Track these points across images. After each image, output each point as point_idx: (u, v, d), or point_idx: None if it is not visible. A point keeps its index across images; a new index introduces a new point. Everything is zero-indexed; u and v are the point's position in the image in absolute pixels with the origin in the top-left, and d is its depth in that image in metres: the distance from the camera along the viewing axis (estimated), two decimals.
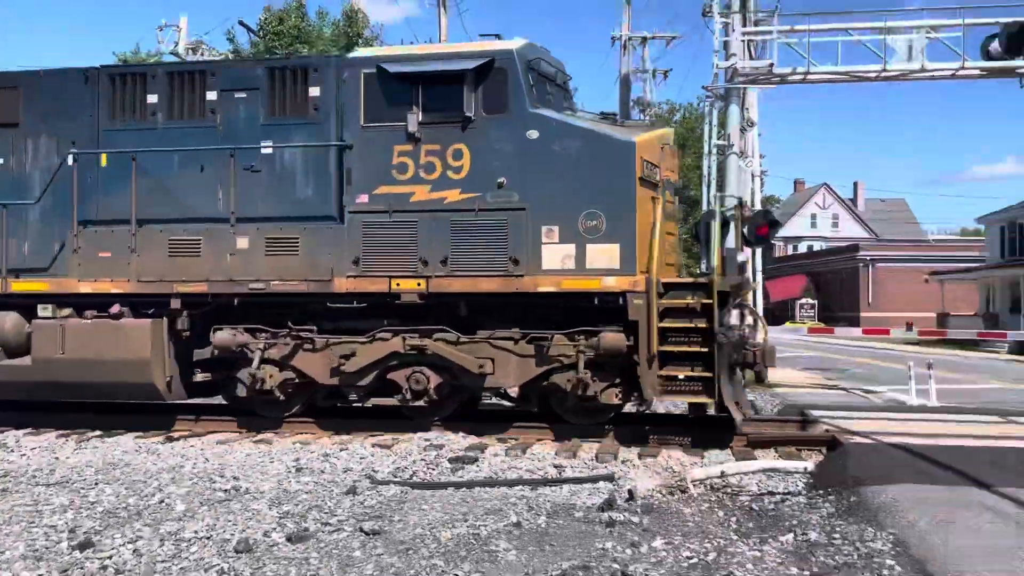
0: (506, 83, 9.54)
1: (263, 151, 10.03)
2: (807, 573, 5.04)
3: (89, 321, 10.18)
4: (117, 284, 10.24)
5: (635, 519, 6.27)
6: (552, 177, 9.43)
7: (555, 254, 9.42)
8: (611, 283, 9.26)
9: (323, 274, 9.79)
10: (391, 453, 8.89)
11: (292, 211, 9.97)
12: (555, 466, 8.37)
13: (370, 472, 8.02)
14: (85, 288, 10.33)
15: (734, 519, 6.45)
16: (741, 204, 11.11)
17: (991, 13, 11.23)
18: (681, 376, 9.13)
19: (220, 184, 10.08)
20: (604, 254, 9.37)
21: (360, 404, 10.82)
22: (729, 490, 7.39)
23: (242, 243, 10.02)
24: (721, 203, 10.76)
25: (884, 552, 5.28)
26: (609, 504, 6.69)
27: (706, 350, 8.99)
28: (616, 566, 5.16)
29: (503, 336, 9.62)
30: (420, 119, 9.51)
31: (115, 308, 10.16)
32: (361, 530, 5.95)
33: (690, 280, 9.81)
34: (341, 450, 9.06)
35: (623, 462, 8.52)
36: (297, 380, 10.15)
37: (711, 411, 9.54)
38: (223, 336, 10.05)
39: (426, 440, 9.31)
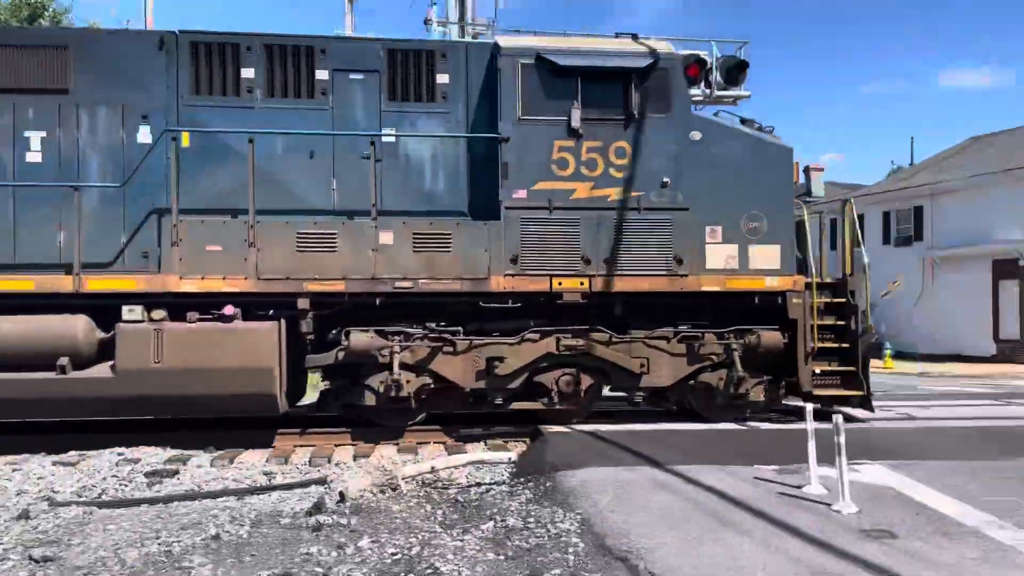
0: (670, 84, 9.67)
1: (386, 139, 9.51)
2: (503, 557, 5.30)
3: (195, 325, 8.76)
4: (230, 282, 8.88)
5: (343, 521, 6.21)
6: (714, 179, 9.67)
7: (719, 254, 9.73)
8: (774, 283, 9.74)
9: (479, 272, 9.25)
10: (76, 471, 8.04)
11: (441, 205, 9.57)
12: (264, 473, 8.09)
13: (48, 493, 7.20)
14: (188, 287, 8.83)
15: (440, 512, 6.63)
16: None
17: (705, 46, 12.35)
18: (818, 371, 9.88)
19: (353, 173, 9.33)
20: (765, 255, 9.81)
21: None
22: (439, 484, 7.60)
23: (385, 238, 9.17)
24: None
25: (571, 531, 5.71)
26: (318, 508, 6.57)
27: (847, 345, 9.88)
28: (319, 570, 5.08)
29: (658, 336, 9.70)
30: (582, 115, 9.41)
31: (229, 309, 8.87)
32: (31, 558, 5.32)
33: (829, 280, 10.35)
34: (14, 470, 8.02)
35: (337, 464, 8.43)
36: (433, 385, 9.47)
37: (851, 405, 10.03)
38: (361, 339, 9.10)
39: (120, 455, 8.55)
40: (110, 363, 8.60)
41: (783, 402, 10.31)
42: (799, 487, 6.55)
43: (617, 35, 10.47)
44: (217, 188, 9.13)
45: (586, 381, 9.64)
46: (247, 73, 9.39)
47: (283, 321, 8.94)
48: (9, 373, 8.36)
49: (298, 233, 9.07)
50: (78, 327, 8.61)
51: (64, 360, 8.47)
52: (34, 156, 9.02)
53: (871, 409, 9.89)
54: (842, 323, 10.03)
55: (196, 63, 9.30)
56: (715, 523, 5.72)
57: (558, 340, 9.49)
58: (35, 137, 9.06)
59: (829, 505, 6.03)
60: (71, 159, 9.06)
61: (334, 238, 9.14)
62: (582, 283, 9.42)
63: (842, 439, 6.18)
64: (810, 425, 6.65)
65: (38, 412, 9.05)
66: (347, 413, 9.86)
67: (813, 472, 6.51)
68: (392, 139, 9.55)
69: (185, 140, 9.11)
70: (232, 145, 9.13)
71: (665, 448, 8.12)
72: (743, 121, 10.51)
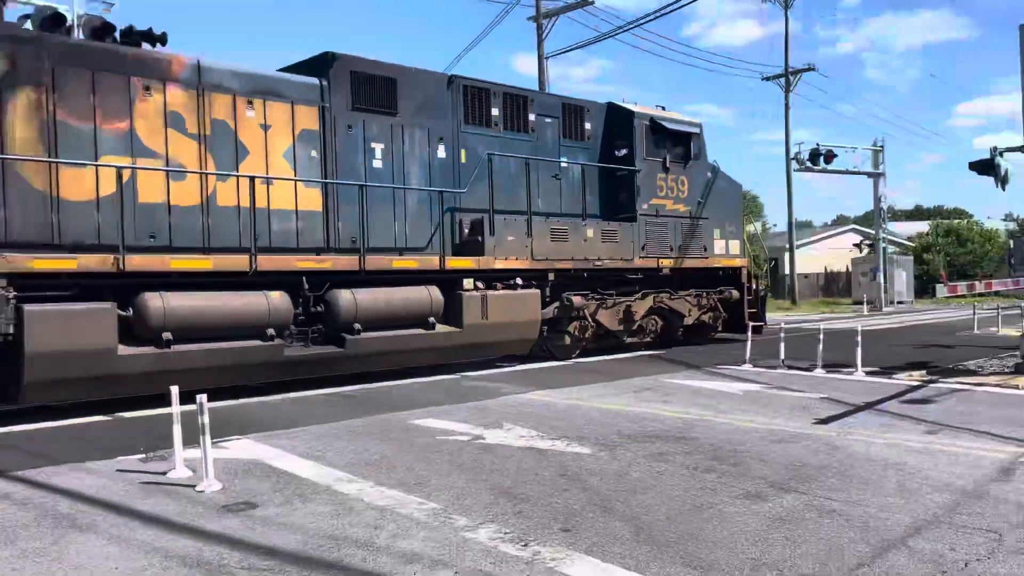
0: (702, 141, 17.09)
1: (563, 166, 14.81)
2: None
3: (502, 291, 13.17)
4: (519, 262, 13.42)
5: None
6: (715, 200, 17.31)
7: (718, 246, 17.51)
8: (740, 263, 18.06)
9: (628, 255, 15.33)
10: None
11: (592, 211, 15.22)
12: None
13: None
14: (499, 265, 13.19)
15: None
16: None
17: None
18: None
19: (546, 186, 14.46)
20: (735, 246, 17.94)
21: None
22: None
23: (589, 233, 14.61)
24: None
25: None
26: None
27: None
28: None
29: (691, 293, 17.01)
30: (669, 158, 16.14)
31: (519, 280, 13.52)
32: None
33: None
34: None
35: None
36: (594, 329, 15.15)
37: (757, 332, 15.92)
38: (579, 300, 14.50)
39: None
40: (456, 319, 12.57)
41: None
42: (164, 473, 6.53)
43: (658, 106, 16.66)
44: (480, 193, 13.11)
45: (660, 323, 16.59)
46: (494, 111, 13.66)
47: (538, 289, 13.74)
48: (401, 330, 11.93)
49: (552, 228, 14.00)
50: (437, 294, 12.32)
51: (432, 318, 12.29)
52: (377, 163, 12.14)
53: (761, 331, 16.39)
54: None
55: (467, 100, 13.27)
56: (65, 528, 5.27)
57: (654, 298, 16.19)
58: (378, 148, 12.08)
59: (194, 487, 6.09)
60: (400, 167, 12.35)
61: (565, 233, 14.20)
62: (670, 263, 16.27)
63: (206, 419, 6.03)
64: (175, 409, 6.31)
65: (419, 360, 12.45)
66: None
67: (178, 455, 6.47)
68: (566, 165, 14.78)
69: (463, 158, 13.12)
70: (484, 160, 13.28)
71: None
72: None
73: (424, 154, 12.57)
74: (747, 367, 13.49)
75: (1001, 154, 12.48)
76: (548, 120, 14.49)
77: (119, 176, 9.53)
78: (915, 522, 5.02)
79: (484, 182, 13.00)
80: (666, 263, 16.11)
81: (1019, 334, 12.70)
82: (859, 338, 13.00)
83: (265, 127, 10.98)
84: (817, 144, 30.69)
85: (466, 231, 13.08)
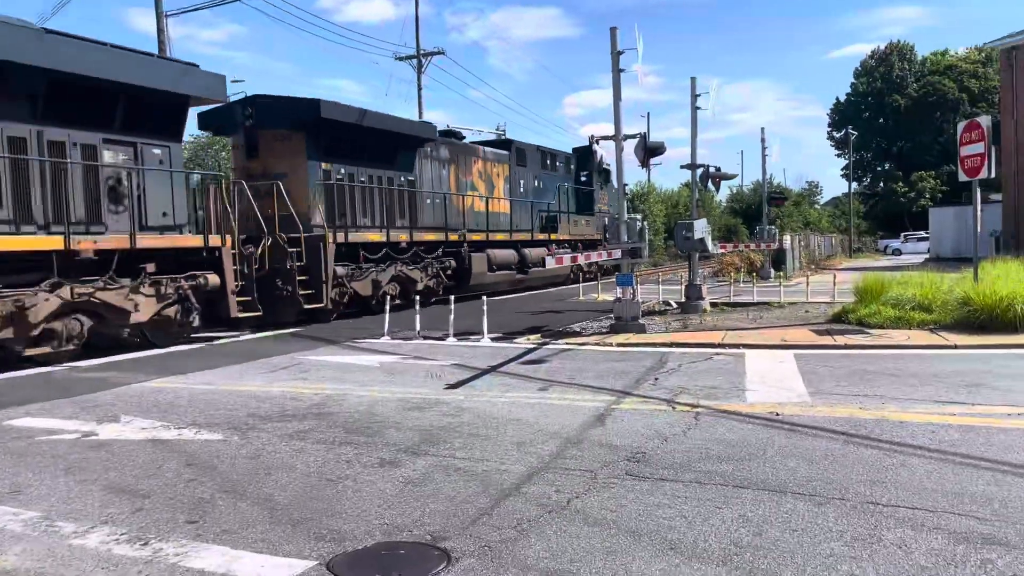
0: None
1: (566, 186, 29.99)
2: None
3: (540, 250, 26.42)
4: (565, 236, 29.18)
5: None
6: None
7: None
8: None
9: (593, 233, 30.44)
10: None
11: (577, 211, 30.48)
12: None
13: None
14: (562, 237, 28.88)
15: None
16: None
17: None
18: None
19: (563, 200, 29.31)
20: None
21: None
22: None
23: (580, 222, 30.33)
24: None
25: None
26: None
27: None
28: None
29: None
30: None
31: (568, 248, 27.64)
32: None
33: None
34: None
35: None
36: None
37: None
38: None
39: None
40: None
41: None
42: None
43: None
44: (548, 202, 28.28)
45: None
46: (547, 161, 28.32)
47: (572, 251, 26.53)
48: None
49: (572, 220, 29.47)
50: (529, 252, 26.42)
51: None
52: (521, 190, 26.67)
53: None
54: None
55: (541, 158, 28.07)
56: None
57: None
58: (522, 183, 26.59)
59: None
60: (527, 192, 26.88)
61: (578, 223, 29.80)
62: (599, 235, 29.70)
63: None
64: None
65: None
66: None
67: None
68: (572, 189, 29.96)
69: (540, 185, 27.75)
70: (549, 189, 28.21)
71: None
72: None
73: (532, 185, 27.04)
74: (385, 339, 13.86)
75: (597, 141, 14.25)
76: (563, 163, 29.71)
77: (470, 201, 23.40)
78: (529, 470, 5.56)
79: (554, 198, 28.24)
80: (597, 235, 29.35)
81: (613, 299, 14.69)
82: (484, 307, 14.03)
83: (497, 175, 25.28)
84: (448, 125, 32.43)
85: (544, 221, 27.14)
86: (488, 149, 25.18)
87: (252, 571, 3.98)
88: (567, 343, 12.77)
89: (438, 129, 23.31)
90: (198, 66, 14.23)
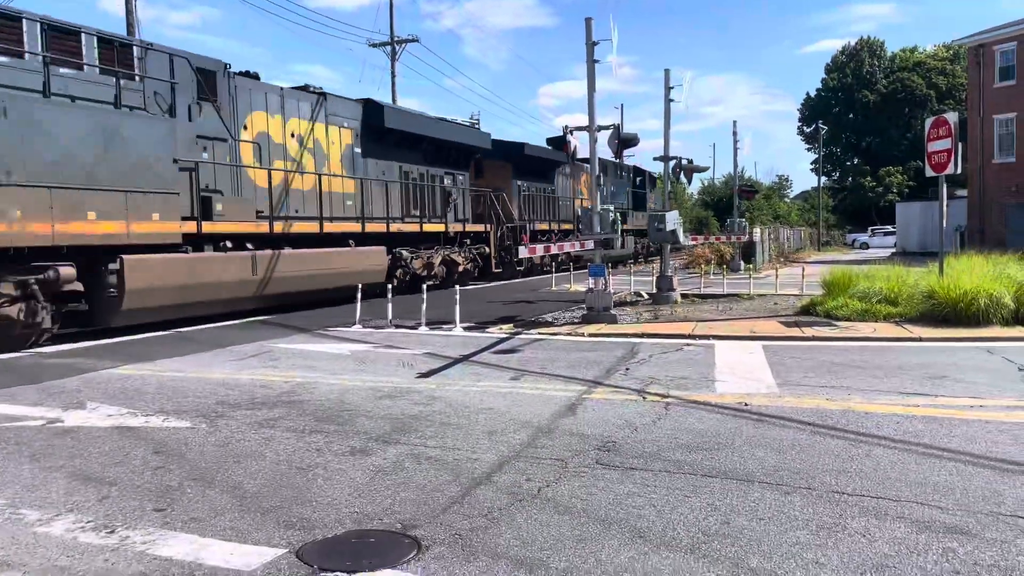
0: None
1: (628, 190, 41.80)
2: None
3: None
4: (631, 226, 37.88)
5: None
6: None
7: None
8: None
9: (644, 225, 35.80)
10: None
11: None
12: None
13: None
14: (629, 227, 36.45)
15: None
16: None
17: None
18: None
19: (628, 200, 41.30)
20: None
21: None
22: None
23: (640, 217, 39.27)
24: None
25: None
26: None
27: None
28: None
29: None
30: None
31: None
32: None
33: None
34: None
35: None
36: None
37: None
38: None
39: None
40: None
41: None
42: None
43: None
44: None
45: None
46: (620, 174, 39.81)
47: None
48: None
49: (641, 215, 39.95)
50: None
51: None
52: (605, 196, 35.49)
53: None
54: None
55: (605, 170, 35.65)
56: None
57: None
58: (605, 189, 36.06)
59: None
60: (609, 198, 36.66)
61: (637, 216, 40.15)
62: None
63: None
64: None
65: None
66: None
67: None
68: (632, 192, 42.18)
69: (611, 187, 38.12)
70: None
71: None
72: None
73: (610, 190, 36.14)
74: (357, 328, 13.78)
75: (571, 132, 14.26)
76: (625, 173, 39.62)
77: (579, 202, 33.19)
78: (500, 459, 5.58)
79: (623, 200, 39.08)
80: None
81: (584, 290, 14.76)
82: (457, 296, 14.01)
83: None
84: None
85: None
86: (588, 166, 32.63)
87: (221, 559, 3.96)
88: (539, 333, 12.80)
89: None
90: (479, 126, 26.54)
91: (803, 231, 55.96)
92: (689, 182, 24.63)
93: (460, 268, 23.66)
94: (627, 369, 9.25)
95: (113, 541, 4.21)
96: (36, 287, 11.66)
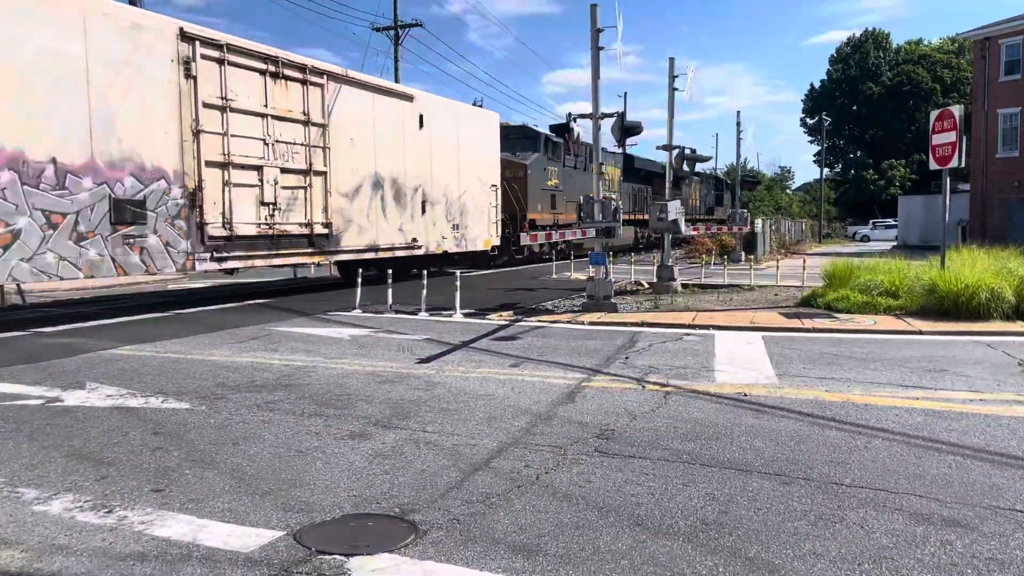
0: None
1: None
2: None
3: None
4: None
5: None
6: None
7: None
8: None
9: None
10: None
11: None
12: None
13: None
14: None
15: None
16: None
17: None
18: None
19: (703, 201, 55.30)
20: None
21: None
22: None
23: (719, 211, 55.35)
24: None
25: None
26: None
27: None
28: None
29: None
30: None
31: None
32: None
33: None
34: None
35: None
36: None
37: None
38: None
39: None
40: None
41: None
42: None
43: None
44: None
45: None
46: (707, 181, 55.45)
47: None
48: None
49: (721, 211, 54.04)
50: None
51: None
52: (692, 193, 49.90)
53: None
54: None
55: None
56: None
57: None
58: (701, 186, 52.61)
59: None
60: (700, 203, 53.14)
61: (717, 211, 56.37)
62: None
63: None
64: None
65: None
66: None
67: None
68: (715, 195, 58.37)
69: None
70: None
71: None
72: None
73: (702, 191, 53.88)
74: (357, 312, 13.77)
75: (575, 119, 14.20)
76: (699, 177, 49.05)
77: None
78: (499, 446, 5.58)
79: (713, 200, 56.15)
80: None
81: (585, 278, 14.74)
82: (458, 283, 13.99)
83: (697, 184, 51.48)
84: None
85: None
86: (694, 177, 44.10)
87: (219, 540, 3.96)
88: (539, 320, 12.79)
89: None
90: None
91: (804, 223, 55.88)
92: (692, 172, 24.51)
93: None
94: (627, 358, 9.25)
95: (111, 521, 4.21)
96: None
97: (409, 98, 20.22)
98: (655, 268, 18.42)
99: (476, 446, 5.58)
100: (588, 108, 14.09)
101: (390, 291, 14.61)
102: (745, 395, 7.20)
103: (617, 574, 3.58)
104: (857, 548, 3.83)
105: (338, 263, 19.79)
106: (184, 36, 13.74)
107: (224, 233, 14.51)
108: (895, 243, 46.60)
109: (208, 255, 14.24)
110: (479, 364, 8.88)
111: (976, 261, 13.67)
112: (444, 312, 13.65)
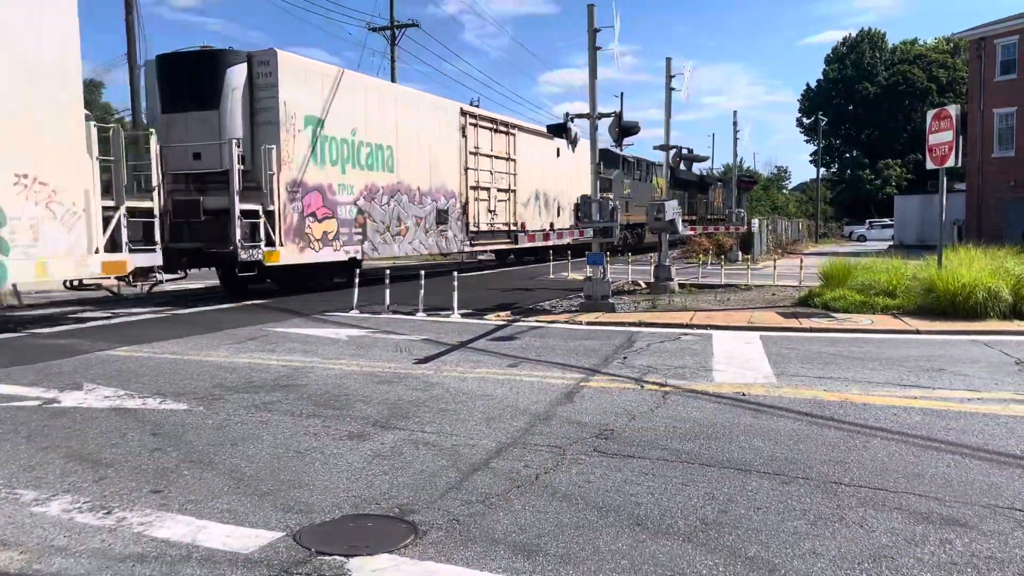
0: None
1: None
2: None
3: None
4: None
5: None
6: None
7: None
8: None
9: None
10: None
11: None
12: None
13: None
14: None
15: None
16: None
17: None
18: None
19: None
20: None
21: None
22: None
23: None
24: None
25: None
26: None
27: None
28: None
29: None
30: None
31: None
32: None
33: None
34: None
35: None
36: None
37: None
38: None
39: None
40: None
41: None
42: None
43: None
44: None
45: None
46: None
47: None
48: None
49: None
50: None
51: None
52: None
53: None
54: None
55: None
56: None
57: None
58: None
59: None
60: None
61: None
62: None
63: None
64: None
65: None
66: None
67: None
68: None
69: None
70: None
71: None
72: None
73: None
74: (354, 313, 13.76)
75: (572, 119, 14.20)
76: (721, 182, 55.92)
77: None
78: (498, 446, 5.57)
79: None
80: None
81: (583, 278, 14.75)
82: (455, 283, 13.98)
83: (720, 189, 56.60)
84: None
85: None
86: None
87: (218, 541, 3.95)
88: (537, 320, 12.78)
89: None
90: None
91: (801, 223, 55.97)
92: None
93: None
94: (625, 358, 9.25)
95: (110, 522, 4.20)
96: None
97: (550, 137, 27.89)
98: (652, 268, 18.43)
99: (475, 446, 5.57)
100: (585, 108, 14.12)
101: (388, 292, 14.60)
102: (744, 395, 7.21)
103: (617, 574, 3.58)
104: (857, 547, 3.83)
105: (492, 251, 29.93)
106: (462, 112, 23.90)
107: (474, 230, 24.47)
108: (891, 243, 46.67)
109: (469, 242, 24.24)
110: (477, 364, 8.88)
111: (973, 260, 13.69)
112: (442, 312, 13.65)
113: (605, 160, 39.76)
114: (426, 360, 9.17)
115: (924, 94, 73.84)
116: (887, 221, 59.21)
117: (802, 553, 3.78)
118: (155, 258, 13.33)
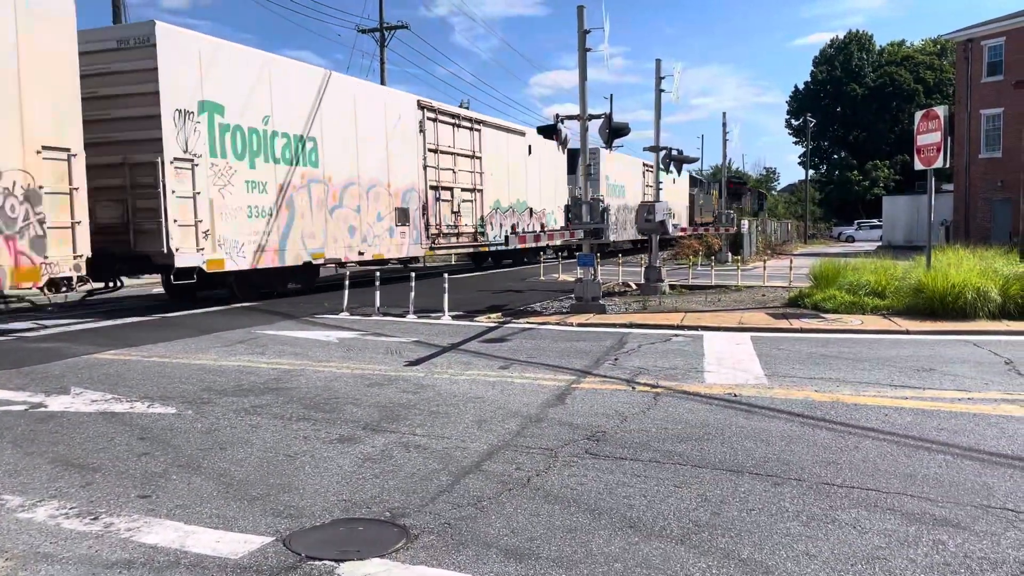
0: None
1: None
2: None
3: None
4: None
5: None
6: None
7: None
8: None
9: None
10: None
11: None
12: None
13: None
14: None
15: None
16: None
17: None
18: None
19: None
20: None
21: None
22: None
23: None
24: None
25: None
26: None
27: None
28: None
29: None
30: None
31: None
32: None
33: None
34: None
35: None
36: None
37: None
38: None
39: None
40: None
41: None
42: None
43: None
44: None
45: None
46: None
47: None
48: None
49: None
50: None
51: None
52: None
53: None
54: None
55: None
56: None
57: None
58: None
59: None
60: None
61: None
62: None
63: None
64: None
65: None
66: None
67: None
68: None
69: None
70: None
71: None
72: None
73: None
74: (344, 315, 13.70)
75: (562, 121, 14.18)
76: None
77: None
78: (489, 448, 5.54)
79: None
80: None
81: (574, 279, 14.76)
82: (446, 285, 13.95)
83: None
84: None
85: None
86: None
87: (207, 546, 3.90)
88: (528, 322, 12.76)
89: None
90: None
91: (789, 224, 56.18)
92: (679, 173, 24.56)
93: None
94: (616, 359, 9.23)
95: (97, 528, 4.15)
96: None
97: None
98: (642, 270, 18.43)
99: (466, 449, 5.54)
100: (575, 109, 14.10)
101: (378, 294, 14.54)
102: (735, 396, 7.20)
103: None
104: (850, 548, 3.82)
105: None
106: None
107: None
108: (880, 243, 46.89)
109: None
110: (468, 366, 8.85)
111: (962, 261, 13.75)
112: (432, 314, 13.60)
113: (691, 183, 51.00)
114: (417, 362, 9.12)
115: (911, 96, 74.22)
116: (875, 222, 59.54)
117: (796, 555, 3.76)
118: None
